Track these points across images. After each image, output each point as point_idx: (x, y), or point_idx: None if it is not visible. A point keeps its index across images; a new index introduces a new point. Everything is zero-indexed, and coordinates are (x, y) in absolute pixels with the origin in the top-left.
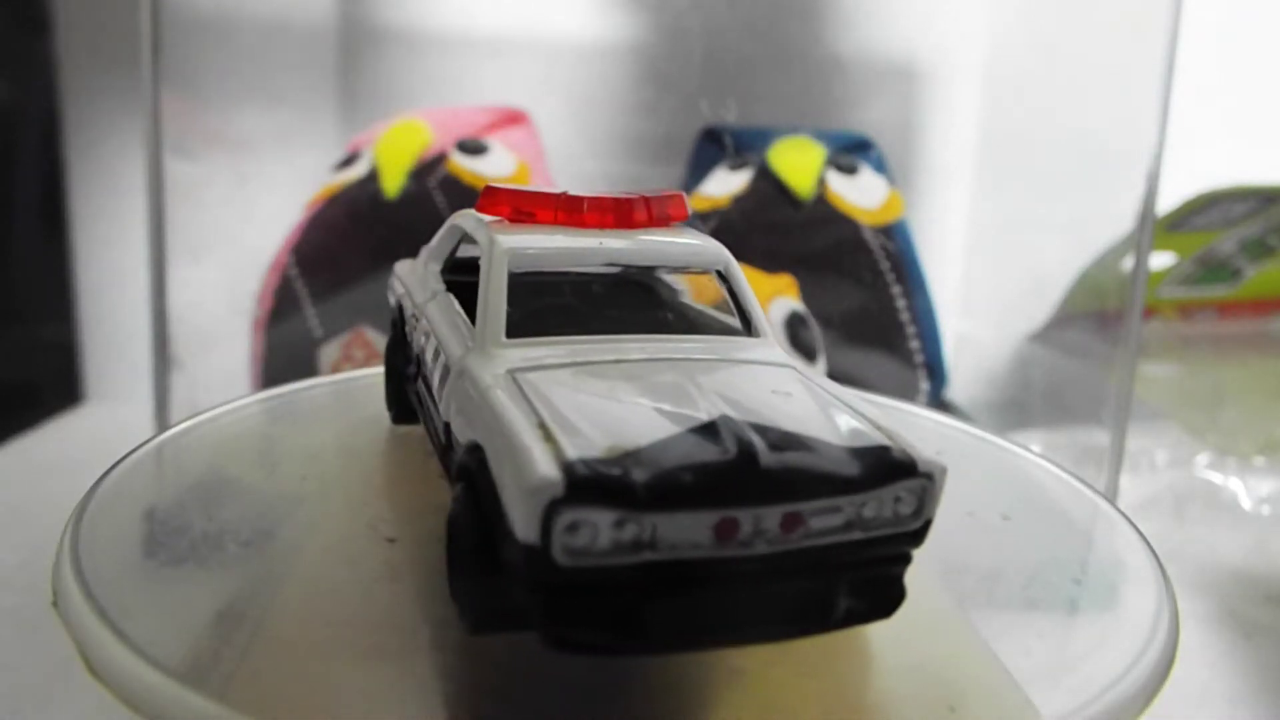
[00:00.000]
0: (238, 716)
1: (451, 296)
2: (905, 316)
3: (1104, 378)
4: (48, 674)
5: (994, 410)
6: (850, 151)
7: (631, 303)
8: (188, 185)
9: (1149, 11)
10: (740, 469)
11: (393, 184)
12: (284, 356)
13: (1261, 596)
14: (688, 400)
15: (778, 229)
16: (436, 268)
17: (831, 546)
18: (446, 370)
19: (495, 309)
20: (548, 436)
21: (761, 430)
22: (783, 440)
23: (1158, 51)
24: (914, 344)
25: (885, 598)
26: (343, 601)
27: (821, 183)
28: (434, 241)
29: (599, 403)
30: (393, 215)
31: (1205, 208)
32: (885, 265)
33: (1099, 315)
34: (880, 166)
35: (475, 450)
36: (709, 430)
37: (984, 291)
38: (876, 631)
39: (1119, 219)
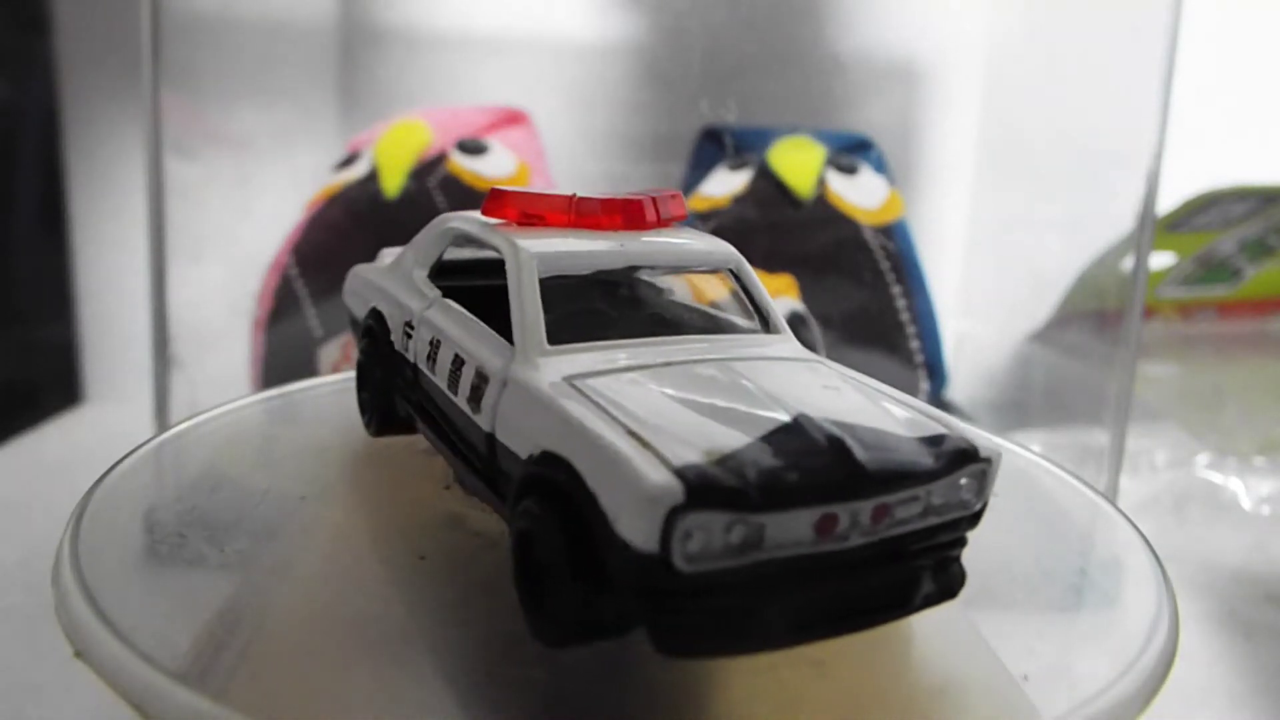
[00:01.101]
0: (238, 716)
1: (453, 303)
2: (905, 316)
3: (1104, 378)
4: (48, 674)
5: (994, 410)
6: (850, 151)
7: (646, 303)
8: (188, 185)
9: (1149, 11)
10: (840, 466)
11: (393, 184)
12: (284, 356)
13: (1261, 596)
14: (753, 400)
15: (778, 229)
16: (424, 273)
17: (910, 534)
18: (482, 379)
19: (533, 316)
20: (644, 444)
21: (844, 427)
22: (866, 436)
23: (1158, 51)
24: (914, 344)
25: (953, 580)
26: (343, 601)
27: (821, 183)
28: (417, 246)
29: (672, 406)
30: (393, 215)
31: (1205, 208)
32: (885, 265)
33: (1099, 315)
34: (880, 166)
35: (552, 461)
36: (795, 430)
37: (984, 291)
38: (877, 632)
39: (1119, 219)
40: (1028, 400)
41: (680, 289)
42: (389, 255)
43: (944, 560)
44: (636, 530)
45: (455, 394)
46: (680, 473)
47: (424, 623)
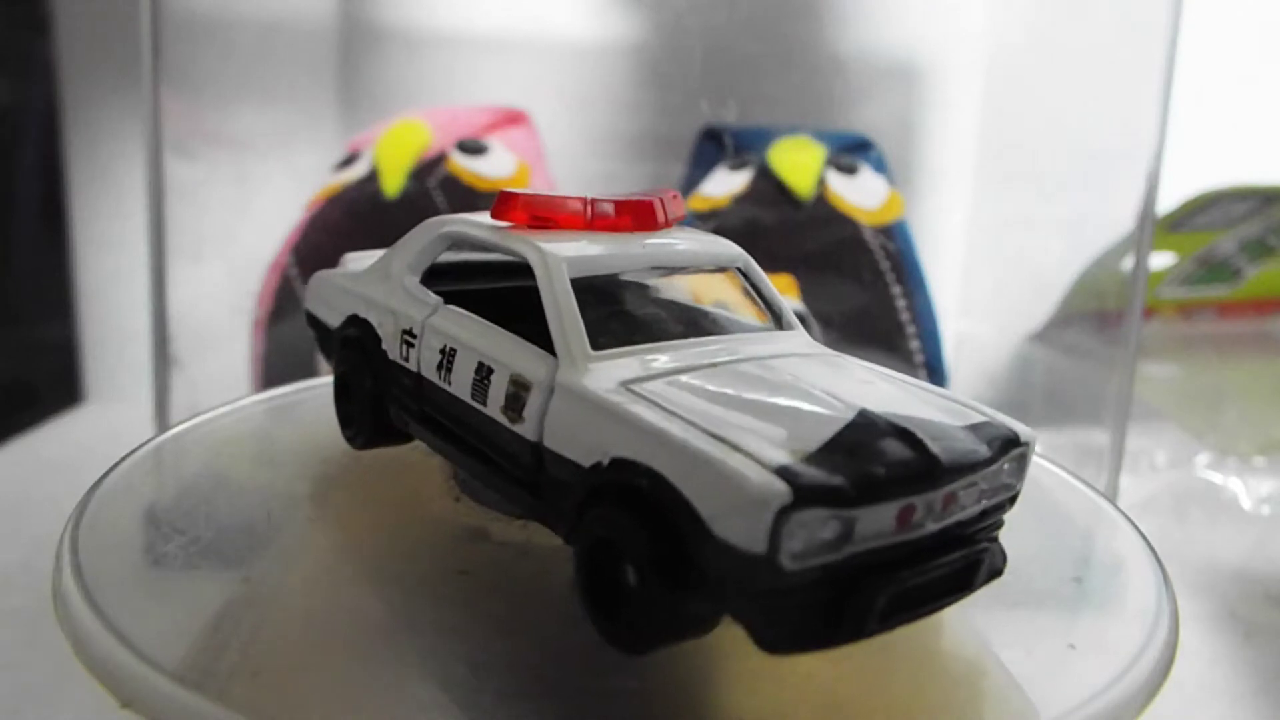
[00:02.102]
0: (238, 716)
1: (461, 310)
2: (905, 316)
3: (1104, 378)
4: (48, 674)
5: (994, 410)
6: (850, 151)
7: (661, 305)
8: (188, 185)
9: (1149, 11)
10: (920, 458)
11: (393, 184)
12: (284, 356)
13: (1261, 596)
14: (810, 397)
15: (778, 229)
16: (416, 279)
17: (968, 519)
18: (521, 388)
19: (573, 322)
20: (733, 446)
21: (907, 420)
22: (928, 427)
23: (1158, 51)
24: (914, 344)
25: (998, 559)
26: (343, 602)
27: (821, 183)
28: (407, 251)
29: (737, 407)
30: (393, 215)
31: (1205, 208)
32: (885, 265)
33: (1099, 315)
34: (880, 166)
35: (629, 467)
36: (864, 425)
37: (984, 291)
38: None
39: (1119, 219)
40: (1028, 400)
41: (679, 289)
42: (355, 260)
43: (993, 541)
44: (742, 532)
45: (483, 404)
46: (780, 473)
47: (425, 623)
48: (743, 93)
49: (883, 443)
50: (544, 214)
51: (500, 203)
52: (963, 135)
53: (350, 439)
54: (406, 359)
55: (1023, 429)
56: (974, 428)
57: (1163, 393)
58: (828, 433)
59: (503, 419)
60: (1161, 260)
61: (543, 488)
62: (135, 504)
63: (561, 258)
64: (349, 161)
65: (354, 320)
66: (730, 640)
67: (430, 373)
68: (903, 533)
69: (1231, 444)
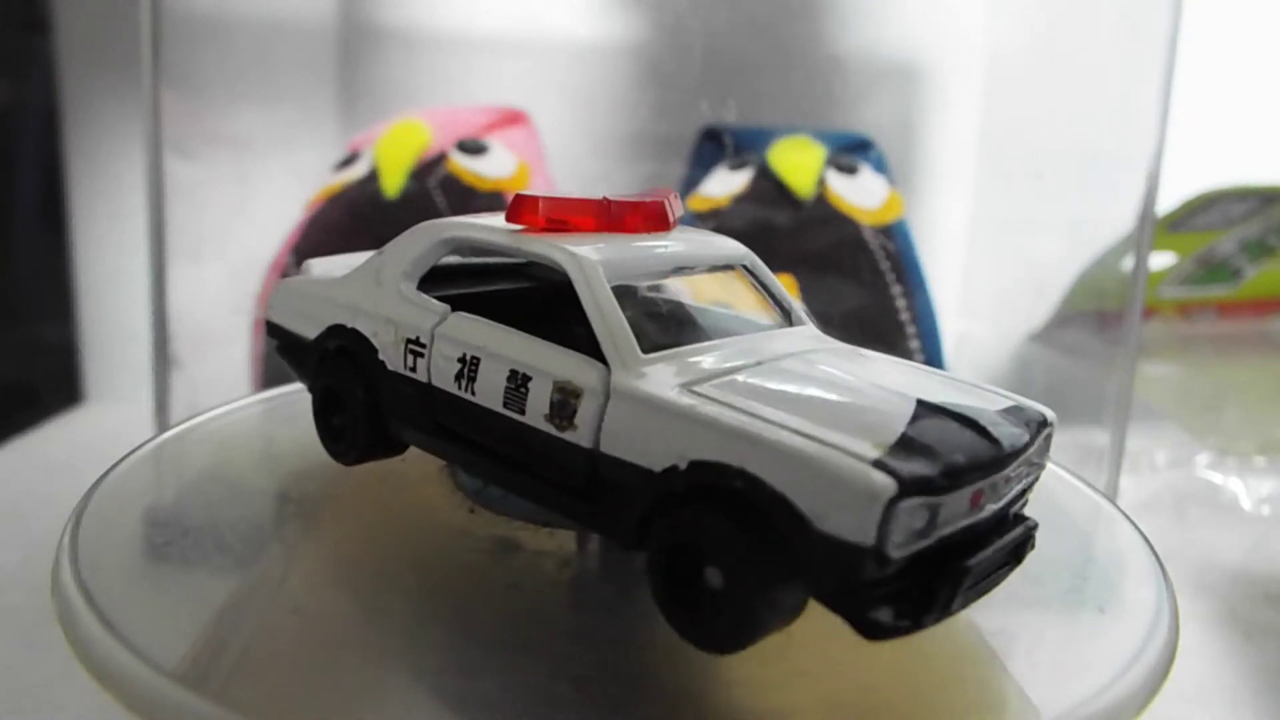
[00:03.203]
0: (237, 716)
1: (478, 317)
2: (905, 316)
3: (1104, 378)
4: (48, 674)
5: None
6: (850, 151)
7: (676, 304)
8: (188, 185)
9: (1149, 11)
10: (988, 444)
11: (393, 184)
12: None
13: (1261, 596)
14: (862, 390)
15: (778, 229)
16: (413, 285)
17: (1014, 498)
18: (569, 395)
19: (620, 326)
20: (824, 443)
21: (964, 408)
22: (981, 414)
23: (1158, 51)
24: (914, 344)
25: (1032, 530)
26: (343, 602)
27: (821, 183)
28: (401, 257)
29: (804, 403)
30: (393, 215)
31: (1205, 208)
32: (885, 265)
33: (1099, 315)
34: (880, 166)
35: (714, 469)
36: (928, 414)
37: (984, 291)
38: None
39: (1119, 219)
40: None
41: (683, 289)
42: (319, 266)
43: (1026, 516)
44: (850, 525)
45: (519, 412)
46: (879, 466)
47: (425, 623)
48: (743, 93)
49: (953, 431)
50: (562, 217)
51: (515, 205)
52: (963, 135)
53: (339, 454)
54: (413, 369)
55: (1047, 410)
56: (1010, 411)
57: (1163, 393)
58: (900, 424)
59: (548, 427)
60: (1161, 260)
61: (597, 494)
62: (135, 504)
63: (597, 262)
64: (349, 161)
65: (339, 331)
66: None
67: (445, 383)
68: (972, 515)
69: (1231, 444)
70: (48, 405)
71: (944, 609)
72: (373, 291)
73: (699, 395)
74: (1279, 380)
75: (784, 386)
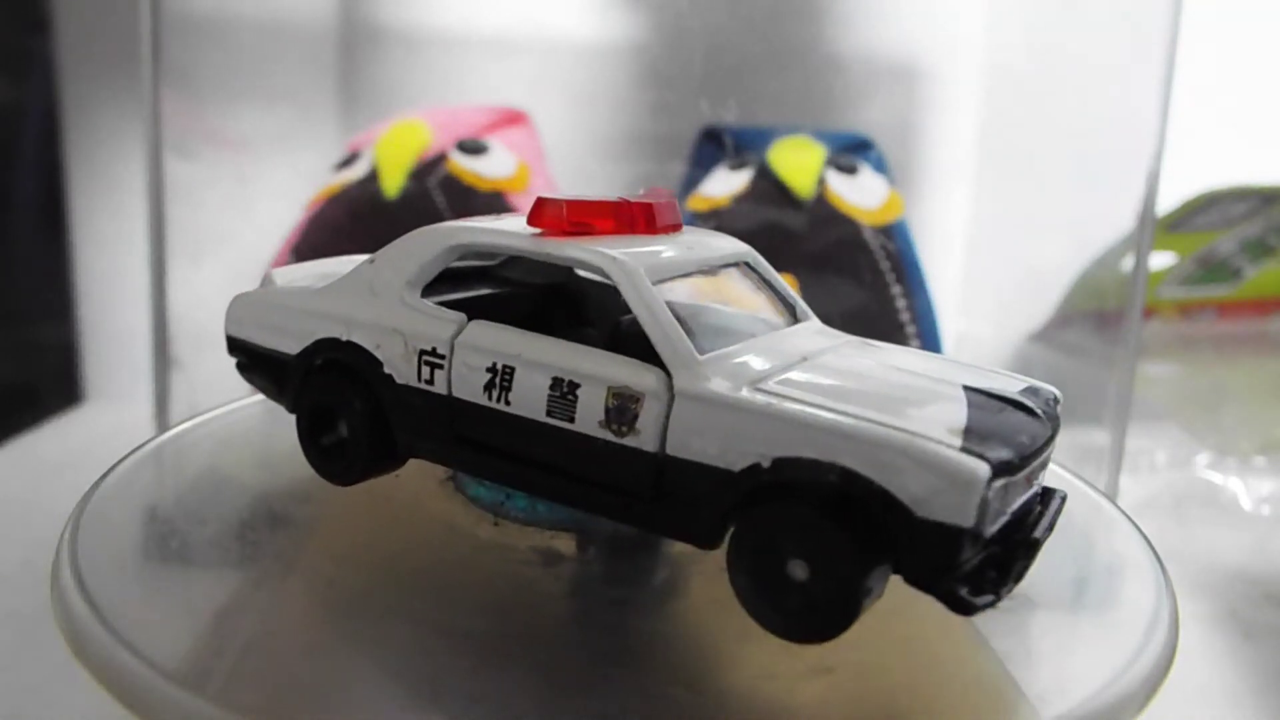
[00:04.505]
0: (237, 717)
1: (504, 325)
2: (905, 316)
3: (1104, 378)
4: (48, 674)
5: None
6: (850, 151)
7: (691, 305)
8: (187, 185)
9: (1149, 11)
10: (1042, 426)
11: (393, 184)
12: None
13: (1261, 596)
14: (908, 380)
15: (778, 229)
16: (417, 294)
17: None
18: (628, 400)
19: (674, 328)
20: (911, 433)
21: (1009, 392)
22: (1027, 397)
23: (1158, 51)
24: (914, 344)
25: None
26: (343, 602)
27: (821, 183)
28: (403, 263)
29: (868, 395)
30: (393, 215)
31: (1205, 208)
32: (885, 265)
33: (1099, 315)
34: (880, 166)
35: (805, 465)
36: (980, 400)
37: (984, 291)
38: (877, 632)
39: (1119, 219)
40: None
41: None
42: (283, 276)
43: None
44: (953, 510)
45: (569, 420)
46: (968, 452)
47: (425, 623)
48: (743, 93)
49: (1010, 416)
50: (585, 219)
51: (538, 208)
52: (963, 135)
53: (337, 475)
54: (431, 381)
55: (1054, 388)
56: (1032, 391)
57: (1163, 393)
58: (961, 411)
59: (604, 434)
60: (1161, 260)
61: (663, 498)
62: (135, 504)
63: (639, 265)
64: (349, 161)
65: (330, 345)
66: (732, 641)
67: (471, 394)
68: (1027, 490)
69: (1231, 444)
70: (48, 405)
71: (1017, 580)
72: (369, 302)
73: (770, 394)
74: (1279, 380)
75: (841, 382)
